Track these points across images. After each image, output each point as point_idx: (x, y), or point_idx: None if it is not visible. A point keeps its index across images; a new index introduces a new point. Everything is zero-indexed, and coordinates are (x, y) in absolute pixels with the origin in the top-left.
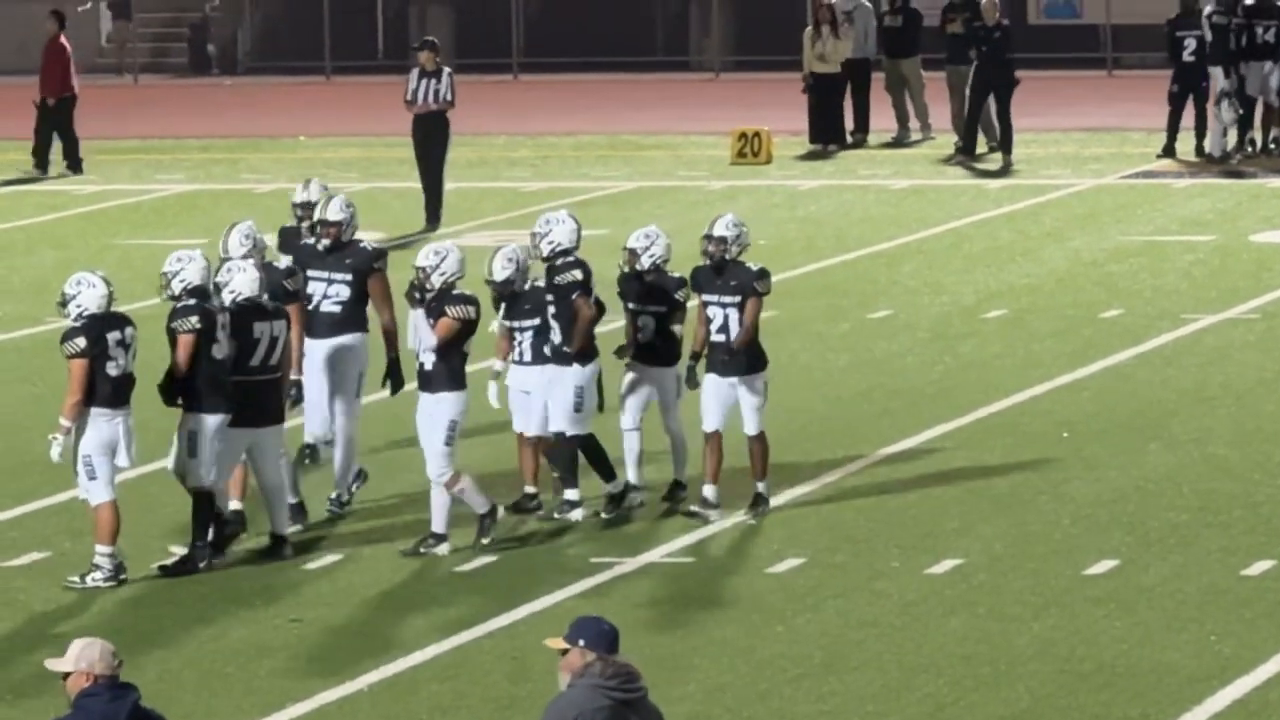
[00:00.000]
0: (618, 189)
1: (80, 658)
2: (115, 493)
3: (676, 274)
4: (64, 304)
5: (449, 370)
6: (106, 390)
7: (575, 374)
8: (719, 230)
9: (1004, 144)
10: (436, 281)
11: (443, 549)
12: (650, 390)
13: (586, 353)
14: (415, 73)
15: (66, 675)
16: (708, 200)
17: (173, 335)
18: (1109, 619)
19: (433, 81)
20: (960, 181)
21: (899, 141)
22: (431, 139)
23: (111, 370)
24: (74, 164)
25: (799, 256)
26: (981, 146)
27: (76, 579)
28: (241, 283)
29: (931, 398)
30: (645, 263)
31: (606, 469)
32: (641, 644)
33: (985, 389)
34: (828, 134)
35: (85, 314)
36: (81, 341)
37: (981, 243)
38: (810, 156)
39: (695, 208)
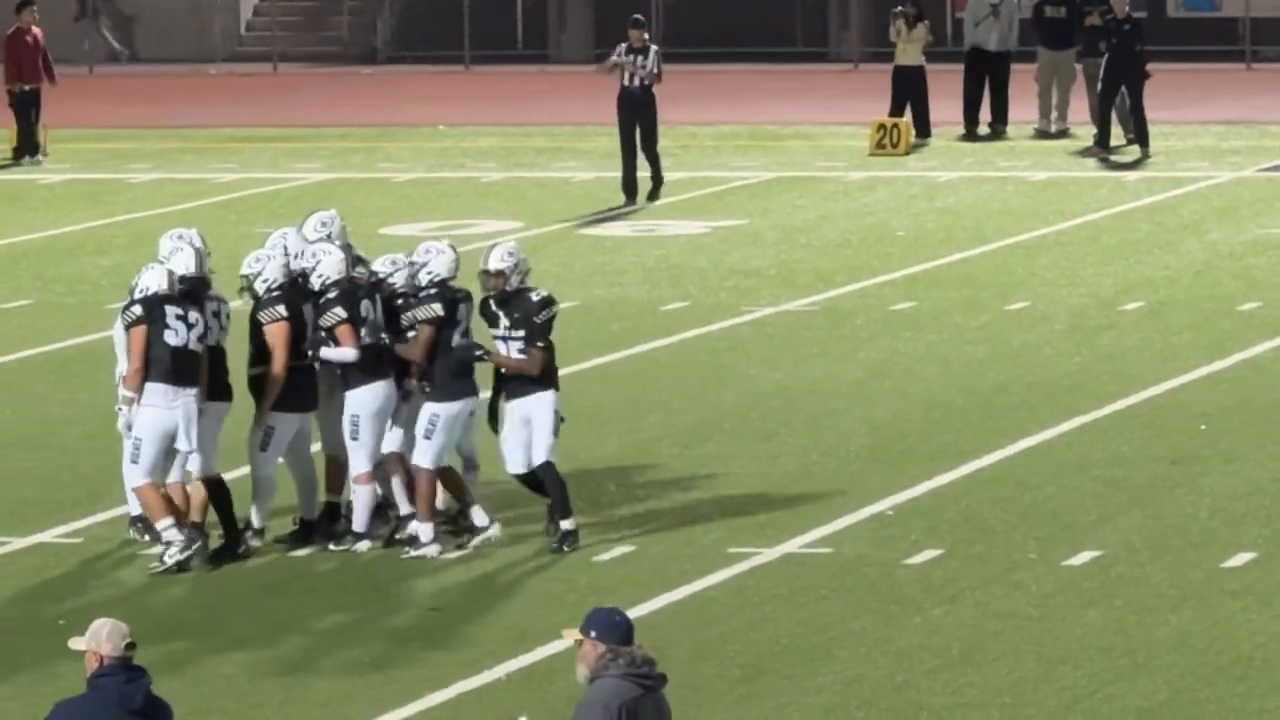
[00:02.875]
0: (756, 179)
1: (90, 638)
2: (156, 476)
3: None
4: (131, 292)
5: (351, 366)
6: (166, 361)
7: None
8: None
9: (1140, 137)
10: (315, 283)
11: (362, 546)
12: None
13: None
14: (623, 48)
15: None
16: (846, 191)
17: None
18: (1247, 612)
19: (640, 58)
20: (1098, 174)
21: (1041, 133)
22: (639, 113)
23: (170, 339)
24: (22, 150)
25: (937, 248)
26: (1119, 139)
27: (158, 564)
28: (273, 270)
29: (1069, 390)
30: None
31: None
32: (779, 634)
33: (1122, 381)
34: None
35: (147, 291)
36: (137, 310)
37: (1119, 235)
38: (949, 147)
39: (834, 198)
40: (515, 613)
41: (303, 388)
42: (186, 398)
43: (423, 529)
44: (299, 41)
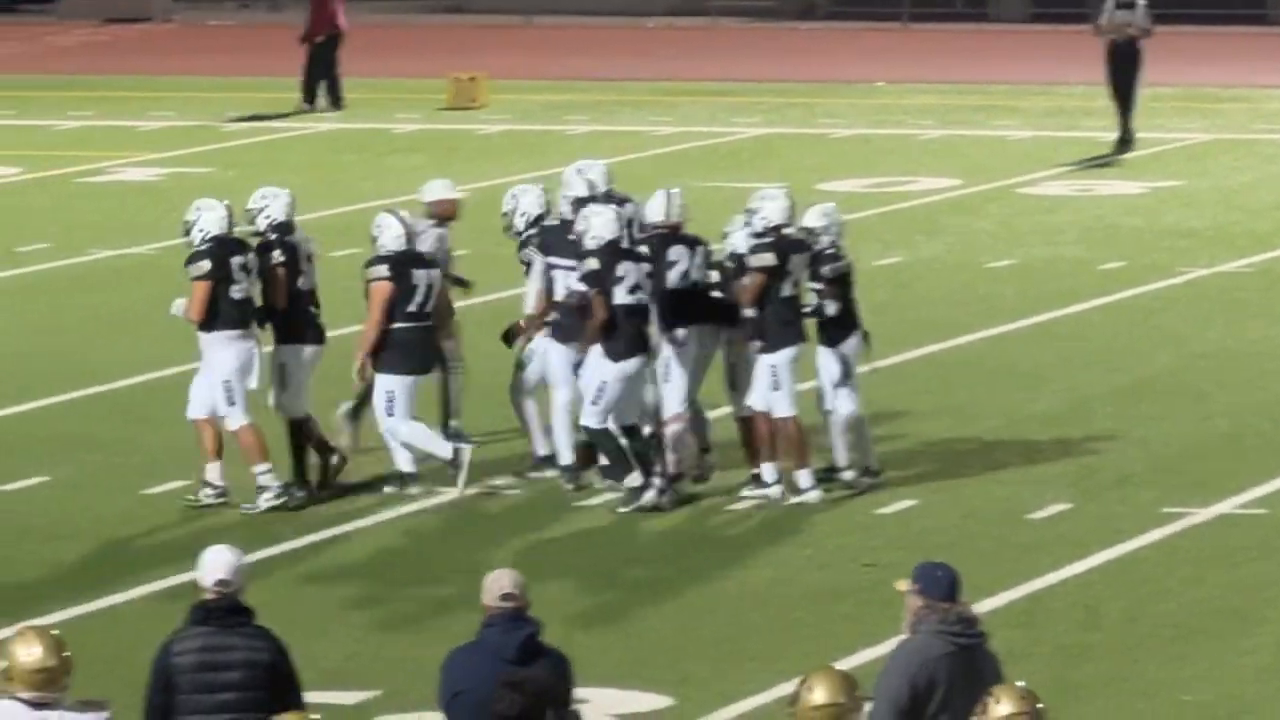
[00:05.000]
0: (1194, 140)
1: (482, 591)
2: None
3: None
4: (187, 231)
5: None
6: (233, 313)
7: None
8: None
9: None
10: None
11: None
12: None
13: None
14: (1111, 3)
15: None
16: None
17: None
18: None
19: (1127, 12)
20: None
21: None
22: (1125, 64)
23: (235, 294)
24: (335, 100)
25: None
26: None
27: (250, 505)
28: (388, 237)
29: None
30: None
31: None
32: (1210, 595)
33: None
34: None
35: (208, 236)
36: (206, 264)
37: None
38: None
39: (1272, 161)
40: None
41: (412, 348)
42: (252, 337)
43: (801, 476)
44: None
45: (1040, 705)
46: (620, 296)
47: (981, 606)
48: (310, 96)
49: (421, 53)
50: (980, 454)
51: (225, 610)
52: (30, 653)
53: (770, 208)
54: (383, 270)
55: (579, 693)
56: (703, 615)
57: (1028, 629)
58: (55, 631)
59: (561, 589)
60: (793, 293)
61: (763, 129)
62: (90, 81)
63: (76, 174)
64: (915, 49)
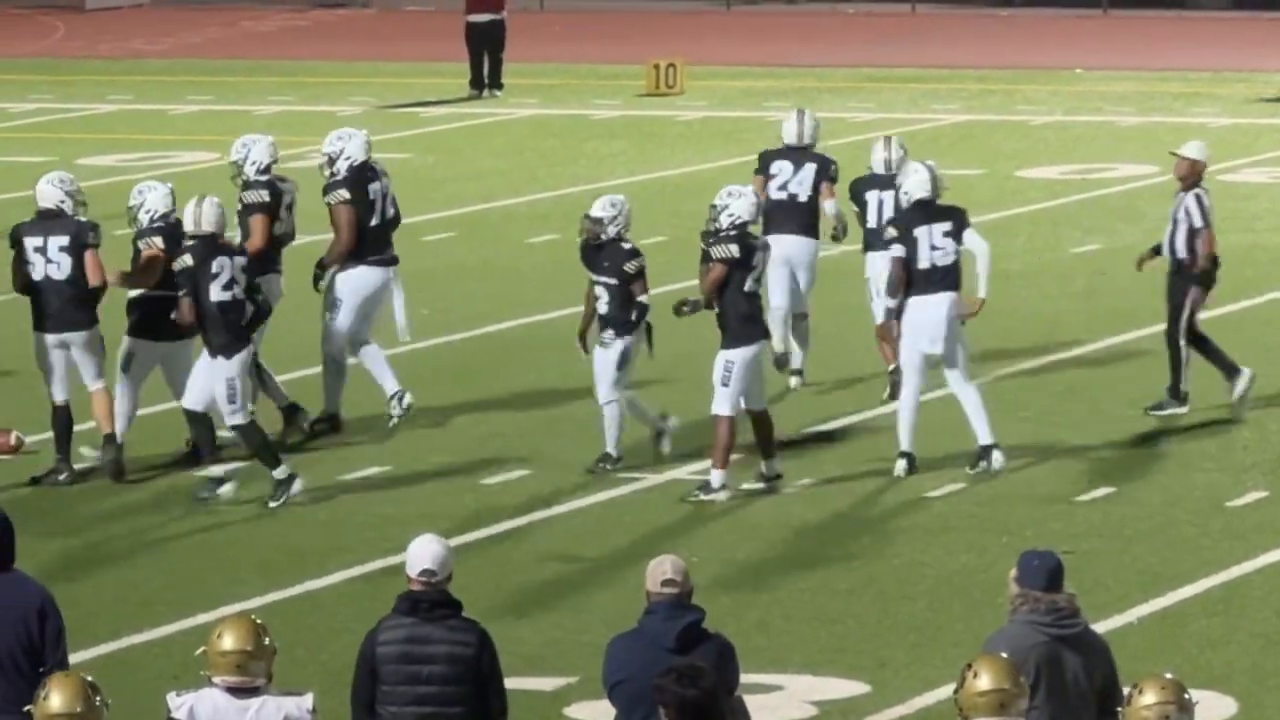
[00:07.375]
0: None
1: (646, 577)
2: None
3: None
4: None
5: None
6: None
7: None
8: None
9: None
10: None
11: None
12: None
13: None
14: None
15: None
16: None
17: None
18: None
19: None
20: None
21: None
22: None
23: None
24: (495, 83)
25: None
26: None
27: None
28: (155, 200)
29: None
30: (611, 231)
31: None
32: None
33: None
34: None
35: None
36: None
37: None
38: None
39: None
40: (1147, 556)
41: (158, 316)
42: None
43: (715, 475)
44: None
45: (1188, 695)
46: (215, 293)
47: (1179, 594)
48: (478, 82)
49: (621, 39)
50: (1178, 441)
51: (432, 602)
52: (224, 638)
53: (739, 205)
54: (158, 241)
55: (776, 680)
56: (901, 602)
57: (1225, 616)
58: (257, 619)
59: (760, 576)
60: (753, 289)
61: (962, 115)
62: (289, 66)
63: None
64: (1115, 35)
